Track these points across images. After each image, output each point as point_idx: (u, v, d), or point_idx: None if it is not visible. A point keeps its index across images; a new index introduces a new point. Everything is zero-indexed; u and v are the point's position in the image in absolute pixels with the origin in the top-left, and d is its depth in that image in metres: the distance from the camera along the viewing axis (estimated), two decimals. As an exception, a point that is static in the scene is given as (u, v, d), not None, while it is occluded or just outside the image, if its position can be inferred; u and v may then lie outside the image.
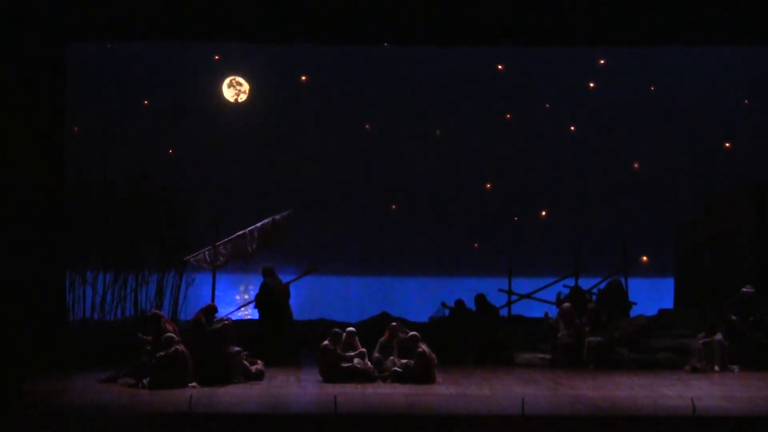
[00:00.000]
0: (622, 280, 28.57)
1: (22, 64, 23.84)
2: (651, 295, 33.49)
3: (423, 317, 28.59)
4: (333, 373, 21.24)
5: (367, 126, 45.24)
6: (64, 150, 25.42)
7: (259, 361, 21.60)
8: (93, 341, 24.78)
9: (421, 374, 21.10)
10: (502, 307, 29.29)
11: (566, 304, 25.04)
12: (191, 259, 24.93)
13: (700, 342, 23.51)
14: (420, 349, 21.26)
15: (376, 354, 21.92)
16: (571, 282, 29.05)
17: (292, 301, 24.46)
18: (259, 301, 24.09)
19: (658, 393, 20.03)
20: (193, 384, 20.11)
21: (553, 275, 30.87)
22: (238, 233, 24.66)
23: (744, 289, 24.75)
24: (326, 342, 21.51)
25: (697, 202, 32.83)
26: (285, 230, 24.98)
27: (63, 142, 25.43)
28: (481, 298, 25.71)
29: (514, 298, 30.76)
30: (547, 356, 24.43)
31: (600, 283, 29.27)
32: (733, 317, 24.34)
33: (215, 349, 20.85)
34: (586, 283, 28.91)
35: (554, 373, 22.92)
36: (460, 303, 25.93)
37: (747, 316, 24.35)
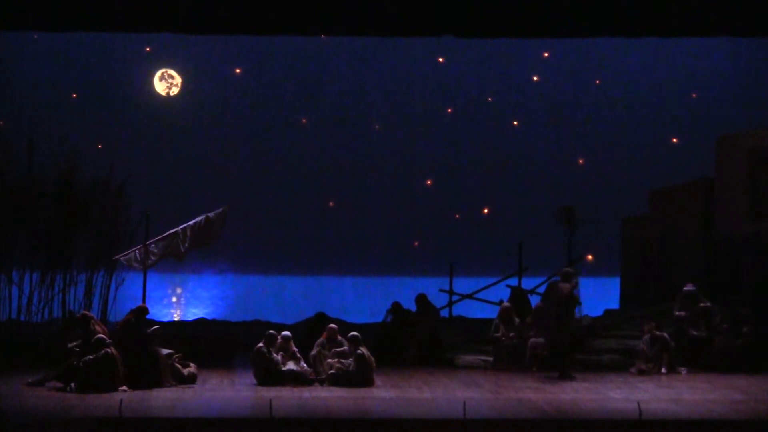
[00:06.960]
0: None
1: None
2: (596, 295, 33.30)
3: (361, 318, 28.28)
4: (268, 376, 20.88)
5: (304, 120, 44.77)
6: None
7: (191, 364, 21.19)
8: (19, 344, 24.31)
9: (359, 377, 20.76)
10: (443, 307, 29.20)
11: (505, 304, 24.85)
12: (121, 259, 24.43)
13: (646, 344, 23.27)
14: (359, 351, 20.92)
15: (313, 352, 21.52)
16: (513, 282, 28.86)
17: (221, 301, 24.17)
18: None
19: (603, 396, 19.81)
20: (124, 387, 19.68)
21: (496, 275, 30.62)
22: (170, 231, 24.13)
23: (686, 288, 24.80)
24: (260, 344, 21.14)
25: (643, 198, 32.82)
26: (218, 228, 24.44)
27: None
28: (421, 298, 25.33)
29: (455, 298, 30.61)
30: (489, 358, 24.21)
31: (542, 284, 29.02)
32: (677, 313, 24.46)
33: (146, 351, 20.40)
34: (529, 283, 28.67)
35: (496, 376, 22.73)
36: (397, 305, 25.50)
37: (691, 313, 24.45)
